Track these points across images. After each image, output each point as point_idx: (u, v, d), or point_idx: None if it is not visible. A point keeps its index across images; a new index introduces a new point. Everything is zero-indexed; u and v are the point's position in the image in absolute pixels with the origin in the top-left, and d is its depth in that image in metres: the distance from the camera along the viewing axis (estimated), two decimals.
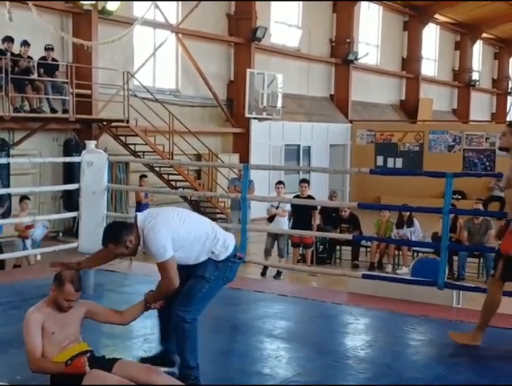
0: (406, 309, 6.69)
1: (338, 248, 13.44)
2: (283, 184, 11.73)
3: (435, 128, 23.74)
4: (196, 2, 17.84)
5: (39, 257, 10.56)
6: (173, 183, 16.40)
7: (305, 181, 12.46)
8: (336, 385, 4.73)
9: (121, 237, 4.31)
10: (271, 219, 11.66)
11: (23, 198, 11.21)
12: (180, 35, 18.25)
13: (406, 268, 11.53)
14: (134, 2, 16.50)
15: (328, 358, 5.30)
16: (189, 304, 4.36)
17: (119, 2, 15.14)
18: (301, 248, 12.67)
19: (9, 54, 12.99)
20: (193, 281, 4.43)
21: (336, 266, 12.95)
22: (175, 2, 18.20)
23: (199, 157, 17.31)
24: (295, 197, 12.12)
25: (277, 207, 11.52)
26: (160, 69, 18.14)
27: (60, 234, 14.55)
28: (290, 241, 12.62)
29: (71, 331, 4.26)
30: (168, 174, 16.45)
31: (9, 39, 13.23)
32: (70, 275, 4.25)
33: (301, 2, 22.50)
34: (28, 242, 10.86)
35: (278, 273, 11.50)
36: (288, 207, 11.65)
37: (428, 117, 27.12)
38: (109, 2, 14.94)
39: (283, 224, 11.59)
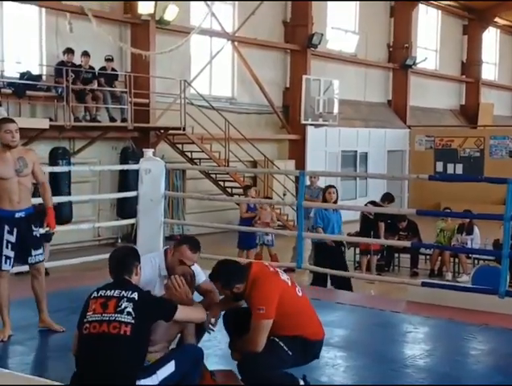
0: (466, 317, 6.54)
1: (396, 255, 13.25)
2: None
3: (496, 133, 23.21)
4: (253, 8, 17.87)
5: None
6: (229, 190, 16.48)
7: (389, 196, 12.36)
8: None
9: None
10: None
11: None
12: (236, 43, 18.34)
13: (466, 276, 11.27)
14: (191, 12, 16.67)
15: (387, 367, 5.22)
16: None
17: (176, 12, 15.30)
18: (358, 255, 12.56)
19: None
20: None
21: (395, 274, 12.76)
22: (231, 11, 18.31)
23: (254, 164, 17.35)
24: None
25: None
26: (216, 77, 18.25)
27: (119, 240, 14.77)
28: (358, 249, 12.54)
29: None
30: (224, 180, 16.53)
31: (69, 51, 13.56)
32: None
33: (358, 8, 22.34)
34: None
35: None
36: None
37: (489, 121, 26.57)
38: (166, 13, 15.11)
39: None
